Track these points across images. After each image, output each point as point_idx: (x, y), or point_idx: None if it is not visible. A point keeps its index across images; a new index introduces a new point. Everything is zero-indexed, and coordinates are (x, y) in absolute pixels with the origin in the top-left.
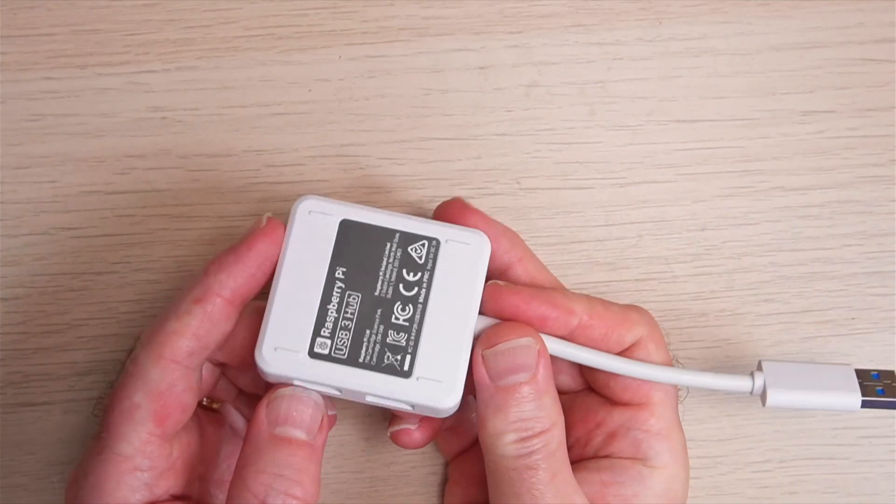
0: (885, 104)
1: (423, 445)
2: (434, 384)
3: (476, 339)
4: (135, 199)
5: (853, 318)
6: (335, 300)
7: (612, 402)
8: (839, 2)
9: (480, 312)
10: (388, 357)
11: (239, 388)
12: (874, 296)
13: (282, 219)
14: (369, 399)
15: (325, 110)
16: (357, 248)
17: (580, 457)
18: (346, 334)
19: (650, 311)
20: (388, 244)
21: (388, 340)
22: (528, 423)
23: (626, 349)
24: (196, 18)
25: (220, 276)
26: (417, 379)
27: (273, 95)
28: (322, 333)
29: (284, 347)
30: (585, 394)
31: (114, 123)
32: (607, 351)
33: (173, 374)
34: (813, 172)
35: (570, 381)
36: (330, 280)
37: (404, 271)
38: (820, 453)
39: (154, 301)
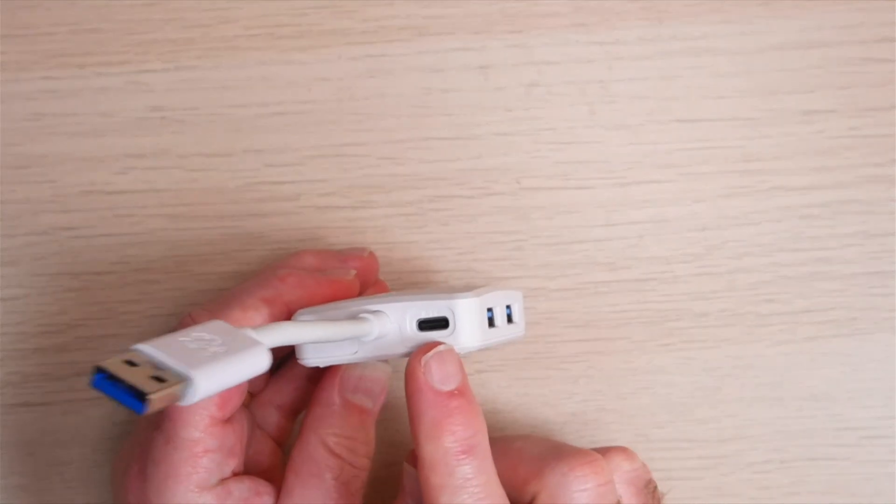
0: (886, 104)
1: None
2: None
3: None
4: (135, 199)
5: (854, 319)
6: None
7: None
8: (839, 2)
9: None
10: None
11: None
12: (875, 296)
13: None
14: None
15: (325, 110)
16: None
17: None
18: None
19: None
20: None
21: None
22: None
23: None
24: (196, 18)
25: (297, 290)
26: None
27: (273, 95)
28: None
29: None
30: None
31: (114, 123)
32: None
33: None
34: (814, 172)
35: None
36: None
37: None
38: (821, 454)
39: (154, 301)
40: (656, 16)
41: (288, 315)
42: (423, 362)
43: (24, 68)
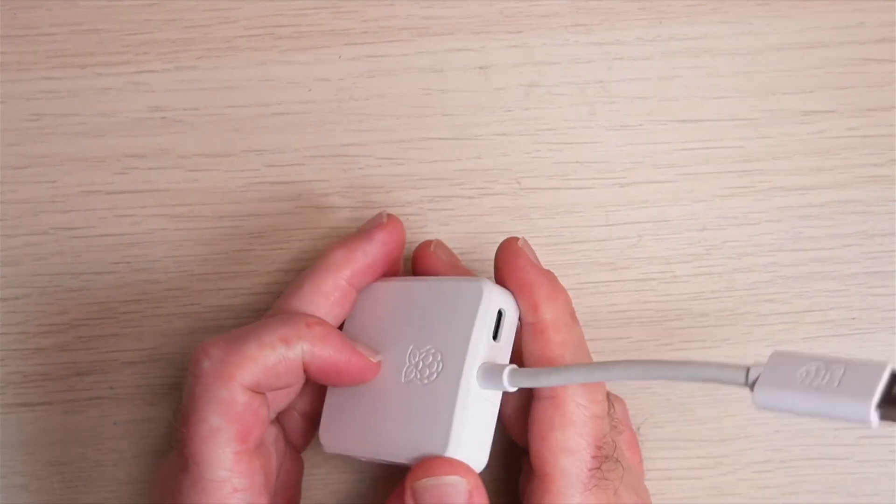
0: (886, 104)
1: None
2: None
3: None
4: (135, 199)
5: (853, 318)
6: None
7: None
8: (839, 2)
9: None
10: None
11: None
12: (874, 296)
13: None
14: None
15: (325, 110)
16: None
17: None
18: None
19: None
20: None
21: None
22: None
23: None
24: (196, 18)
25: (318, 343)
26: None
27: (273, 95)
28: None
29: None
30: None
31: (114, 123)
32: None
33: (245, 395)
34: (813, 172)
35: None
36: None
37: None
38: (820, 453)
39: (154, 301)
40: (656, 16)
41: (300, 357)
42: (521, 242)
43: (24, 68)
